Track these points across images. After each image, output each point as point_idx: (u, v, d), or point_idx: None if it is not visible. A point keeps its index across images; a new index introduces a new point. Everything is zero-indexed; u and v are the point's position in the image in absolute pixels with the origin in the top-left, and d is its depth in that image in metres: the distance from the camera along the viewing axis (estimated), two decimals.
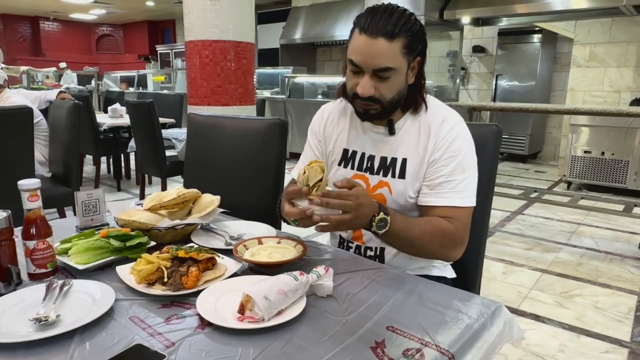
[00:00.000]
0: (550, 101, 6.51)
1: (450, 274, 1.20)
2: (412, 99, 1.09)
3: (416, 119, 1.10)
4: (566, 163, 4.87)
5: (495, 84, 6.42)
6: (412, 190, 1.09)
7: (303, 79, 6.63)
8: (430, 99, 1.12)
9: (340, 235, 1.22)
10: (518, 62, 6.22)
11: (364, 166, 1.15)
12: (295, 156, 1.29)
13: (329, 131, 1.22)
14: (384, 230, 0.99)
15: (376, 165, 1.13)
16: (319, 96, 6.59)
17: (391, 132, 1.11)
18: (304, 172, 0.96)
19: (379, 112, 1.06)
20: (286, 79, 6.43)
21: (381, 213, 0.97)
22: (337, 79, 6.46)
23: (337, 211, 0.93)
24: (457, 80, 6.32)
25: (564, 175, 4.91)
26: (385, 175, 1.11)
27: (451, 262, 1.17)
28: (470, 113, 3.82)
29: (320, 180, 0.95)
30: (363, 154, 1.15)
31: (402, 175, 1.09)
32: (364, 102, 1.04)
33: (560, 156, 5.68)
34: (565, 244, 3.24)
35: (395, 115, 1.09)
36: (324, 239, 1.35)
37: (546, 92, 6.43)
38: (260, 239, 1.07)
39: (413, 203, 1.10)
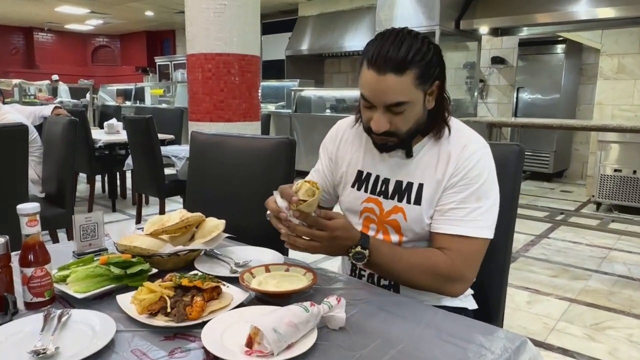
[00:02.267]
0: (576, 115, 6.51)
1: (472, 304, 1.19)
2: (434, 124, 1.10)
3: (436, 143, 1.11)
4: (595, 182, 4.84)
5: (517, 97, 6.44)
6: (427, 217, 1.09)
7: (310, 92, 6.71)
8: (454, 123, 1.13)
9: (352, 263, 1.21)
10: (541, 74, 6.26)
11: (378, 189, 1.17)
12: (302, 174, 1.31)
13: (343, 151, 1.25)
14: (362, 263, 1.03)
15: (391, 189, 1.15)
16: (327, 110, 6.65)
17: (408, 155, 1.12)
18: (299, 184, 1.01)
19: (397, 144, 1.09)
20: (292, 93, 6.51)
21: (358, 247, 1.01)
22: (347, 93, 6.59)
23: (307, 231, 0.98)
24: (475, 94, 6.36)
25: (593, 196, 4.88)
26: (400, 200, 1.13)
27: (470, 293, 1.18)
28: (489, 129, 3.84)
29: (306, 200, 0.98)
30: (377, 177, 1.17)
31: (418, 201, 1.10)
32: (380, 136, 1.07)
33: (588, 175, 5.65)
34: (595, 271, 3.21)
35: (414, 138, 1.11)
36: (334, 265, 1.36)
37: (571, 106, 6.44)
38: (267, 267, 1.08)
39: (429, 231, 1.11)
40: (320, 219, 0.99)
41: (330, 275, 1.13)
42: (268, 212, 1.04)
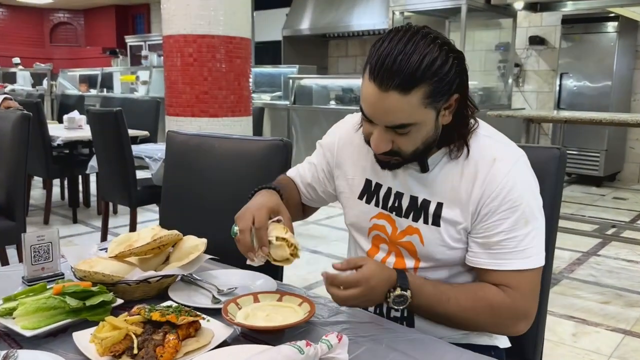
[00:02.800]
0: (632, 107, 6.50)
1: (503, 342, 1.20)
2: (450, 139, 1.10)
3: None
4: None
5: (560, 85, 6.44)
6: (450, 239, 1.11)
7: (312, 80, 6.73)
8: (481, 129, 1.13)
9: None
10: (588, 57, 6.25)
11: (390, 204, 1.18)
12: None
13: (347, 155, 1.26)
14: (403, 307, 1.05)
15: (405, 205, 1.16)
16: (332, 102, 6.67)
17: (424, 169, 1.13)
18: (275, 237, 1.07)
19: (401, 163, 1.11)
20: (290, 81, 6.51)
21: (397, 289, 1.03)
22: (355, 81, 6.56)
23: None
24: (510, 81, 6.36)
25: None
26: (415, 220, 1.14)
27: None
28: (526, 125, 3.84)
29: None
30: (389, 190, 1.18)
31: (437, 222, 1.12)
32: (381, 155, 1.09)
33: None
34: None
35: (424, 155, 1.11)
36: None
37: (625, 95, 6.43)
38: (256, 295, 1.08)
39: (455, 256, 1.12)
40: (350, 277, 1.00)
41: (330, 306, 1.12)
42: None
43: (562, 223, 1.30)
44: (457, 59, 1.00)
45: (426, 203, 1.13)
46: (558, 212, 1.24)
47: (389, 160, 1.10)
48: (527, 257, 1.06)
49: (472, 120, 1.10)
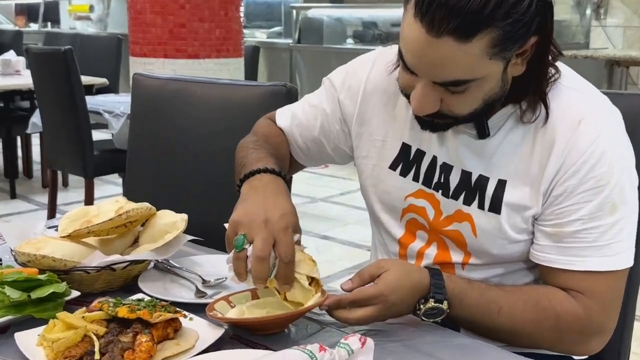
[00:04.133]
0: None
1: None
2: (521, 95, 1.07)
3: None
4: None
5: None
6: (513, 230, 1.10)
7: (322, 11, 6.63)
8: (564, 78, 1.09)
9: None
10: None
11: (435, 180, 1.16)
12: None
13: (376, 106, 1.23)
14: (440, 318, 1.05)
15: (453, 183, 1.15)
16: (349, 41, 6.60)
17: (482, 134, 1.10)
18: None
19: (451, 124, 1.09)
20: (294, 12, 6.47)
21: (430, 301, 1.03)
22: (381, 13, 6.46)
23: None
24: (588, 12, 6.23)
25: None
26: (468, 202, 1.13)
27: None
28: (609, 70, 3.78)
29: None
30: (434, 160, 1.16)
31: (496, 207, 1.11)
32: (425, 116, 1.06)
33: None
34: None
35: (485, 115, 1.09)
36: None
37: None
38: (255, 291, 1.08)
39: (517, 251, 1.13)
40: (361, 294, 1.01)
41: None
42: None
43: None
44: None
45: (483, 180, 1.12)
46: None
47: (434, 122, 1.07)
48: (611, 254, 1.04)
49: (551, 70, 1.07)
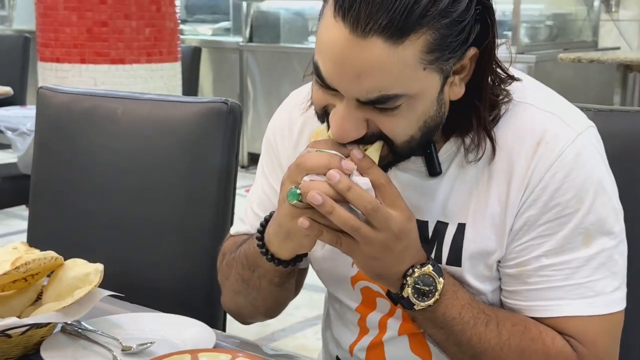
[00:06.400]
0: None
1: None
2: (463, 123, 0.93)
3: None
4: None
5: None
6: (477, 280, 0.97)
7: (278, 4, 6.15)
8: (518, 90, 0.94)
9: (338, 359, 1.13)
10: None
11: None
12: (255, 161, 1.12)
13: (292, 155, 1.05)
14: (427, 303, 0.89)
15: None
16: (312, 39, 6.20)
17: (433, 171, 0.94)
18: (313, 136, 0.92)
19: (392, 161, 0.92)
20: (244, 4, 5.93)
21: (428, 265, 0.89)
22: None
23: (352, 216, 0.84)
24: (596, 4, 5.55)
25: None
26: None
27: None
28: (622, 74, 3.43)
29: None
30: None
31: (456, 259, 0.96)
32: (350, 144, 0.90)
33: None
34: None
35: (436, 138, 0.95)
36: (312, 347, 1.19)
37: None
38: (195, 354, 0.94)
39: (489, 301, 1.00)
40: (384, 207, 0.84)
41: None
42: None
43: None
44: None
45: (441, 228, 0.98)
46: None
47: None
48: (591, 295, 0.91)
49: (501, 95, 0.93)
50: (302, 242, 0.91)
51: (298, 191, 0.85)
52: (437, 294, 0.89)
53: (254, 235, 1.01)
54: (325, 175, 0.83)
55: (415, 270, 0.88)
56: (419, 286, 0.89)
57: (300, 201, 0.84)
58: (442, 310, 0.90)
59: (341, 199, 0.82)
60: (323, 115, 0.91)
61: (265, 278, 1.01)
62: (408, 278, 0.88)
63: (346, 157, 0.86)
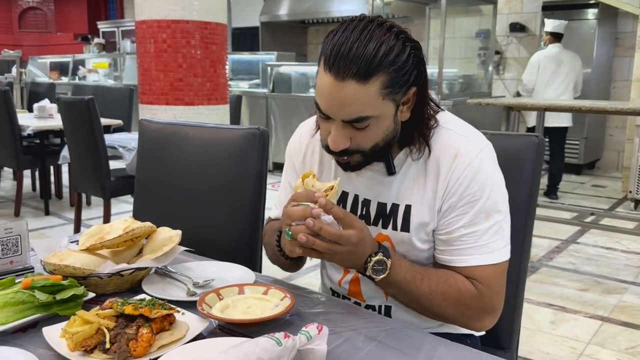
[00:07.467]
0: (611, 94, 6.59)
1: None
2: (410, 138, 1.09)
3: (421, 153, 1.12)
4: (632, 175, 4.92)
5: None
6: (420, 242, 1.12)
7: (290, 68, 6.70)
8: (443, 119, 1.12)
9: (331, 289, 1.26)
10: (569, 45, 6.28)
11: (358, 213, 1.17)
12: (280, 168, 1.33)
13: (309, 165, 1.24)
14: (382, 276, 1.04)
15: (373, 213, 1.15)
16: (312, 90, 6.63)
17: (390, 171, 1.12)
18: (298, 183, 1.04)
19: (362, 162, 1.08)
20: (269, 68, 6.48)
21: (379, 254, 1.03)
22: None
23: (332, 228, 0.99)
24: (490, 68, 6.38)
25: (630, 192, 4.95)
26: (384, 226, 1.14)
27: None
28: (507, 113, 3.86)
29: (331, 188, 1.02)
30: (356, 197, 1.17)
31: (406, 227, 1.12)
32: (339, 156, 1.07)
33: (624, 166, 5.74)
34: (632, 283, 3.26)
35: (393, 149, 1.11)
36: (315, 283, 1.36)
37: (605, 83, 6.52)
38: (242, 287, 1.09)
39: (427, 257, 1.14)
40: (338, 233, 0.99)
41: (312, 297, 1.13)
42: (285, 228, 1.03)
43: (541, 211, 1.32)
44: (414, 49, 0.99)
45: (395, 208, 1.13)
46: (535, 200, 1.26)
47: (348, 162, 1.08)
48: (489, 251, 1.06)
49: (432, 121, 1.09)
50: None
51: (290, 232, 1.00)
52: (387, 269, 1.04)
53: (275, 234, 1.18)
54: (305, 221, 0.97)
55: (372, 258, 1.04)
56: (375, 267, 1.04)
57: (294, 238, 1.00)
58: (392, 277, 1.05)
59: (316, 233, 0.97)
60: (326, 147, 1.07)
61: (286, 260, 1.18)
62: (368, 264, 1.04)
63: (315, 202, 0.98)
